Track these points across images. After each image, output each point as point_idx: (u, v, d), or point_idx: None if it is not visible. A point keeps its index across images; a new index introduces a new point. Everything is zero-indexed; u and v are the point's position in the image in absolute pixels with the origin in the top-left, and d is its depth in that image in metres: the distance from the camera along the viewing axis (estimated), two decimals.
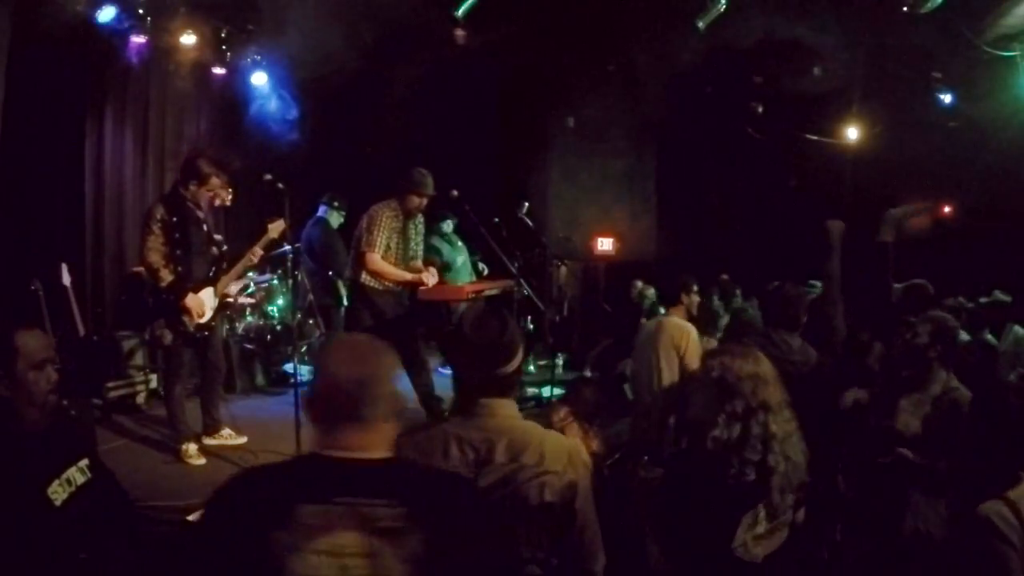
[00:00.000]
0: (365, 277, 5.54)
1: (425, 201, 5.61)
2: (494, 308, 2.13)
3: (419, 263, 5.81)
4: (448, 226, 7.66)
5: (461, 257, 7.74)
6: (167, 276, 4.69)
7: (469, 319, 2.05)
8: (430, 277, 5.67)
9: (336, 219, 7.29)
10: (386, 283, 5.57)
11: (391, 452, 1.60)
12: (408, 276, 5.60)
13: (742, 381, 2.42)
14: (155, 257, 4.68)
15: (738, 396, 2.41)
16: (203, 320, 4.87)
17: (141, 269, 6.68)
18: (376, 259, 5.45)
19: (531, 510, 1.92)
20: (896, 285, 5.04)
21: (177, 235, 4.74)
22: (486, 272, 7.77)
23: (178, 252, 4.74)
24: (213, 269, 4.99)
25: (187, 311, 4.76)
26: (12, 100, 5.58)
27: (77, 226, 6.92)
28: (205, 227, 4.98)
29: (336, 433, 1.55)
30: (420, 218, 5.79)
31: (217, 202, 5.08)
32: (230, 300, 5.53)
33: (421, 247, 5.90)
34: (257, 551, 1.44)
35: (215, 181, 4.91)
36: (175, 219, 4.73)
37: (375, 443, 1.57)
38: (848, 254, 4.72)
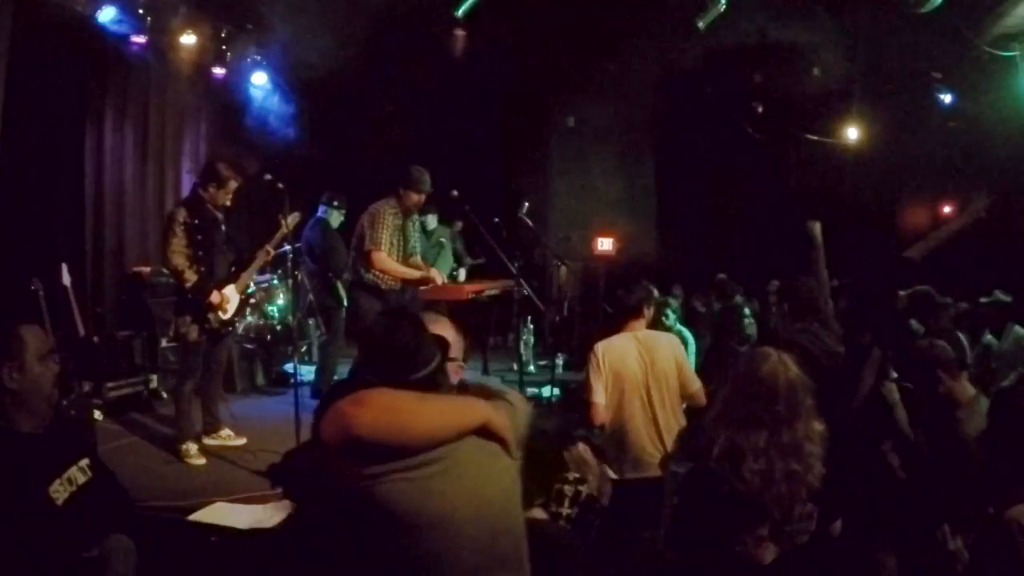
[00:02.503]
0: (367, 275, 5.55)
1: (423, 198, 5.64)
2: (406, 312, 2.16)
3: (418, 259, 5.83)
4: (430, 221, 7.58)
5: (443, 257, 7.65)
6: (192, 277, 4.79)
7: (381, 325, 2.06)
8: (437, 276, 5.69)
9: (336, 219, 7.26)
10: (389, 282, 5.58)
11: None
12: (416, 274, 5.62)
13: (779, 387, 2.37)
14: (179, 260, 4.77)
15: (770, 402, 2.36)
16: (227, 316, 4.99)
17: (145, 269, 6.68)
18: (383, 257, 5.48)
19: None
20: (900, 293, 5.02)
21: (199, 237, 4.85)
22: (461, 279, 7.68)
23: (200, 253, 4.85)
24: (232, 267, 5.11)
25: (214, 308, 4.87)
26: (12, 100, 5.57)
27: (77, 226, 6.92)
28: (223, 227, 5.07)
29: None
30: (416, 215, 5.81)
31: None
32: (252, 298, 5.57)
33: (419, 244, 5.91)
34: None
35: (233, 184, 5.00)
36: (196, 221, 4.84)
37: None
38: (857, 255, 4.70)
